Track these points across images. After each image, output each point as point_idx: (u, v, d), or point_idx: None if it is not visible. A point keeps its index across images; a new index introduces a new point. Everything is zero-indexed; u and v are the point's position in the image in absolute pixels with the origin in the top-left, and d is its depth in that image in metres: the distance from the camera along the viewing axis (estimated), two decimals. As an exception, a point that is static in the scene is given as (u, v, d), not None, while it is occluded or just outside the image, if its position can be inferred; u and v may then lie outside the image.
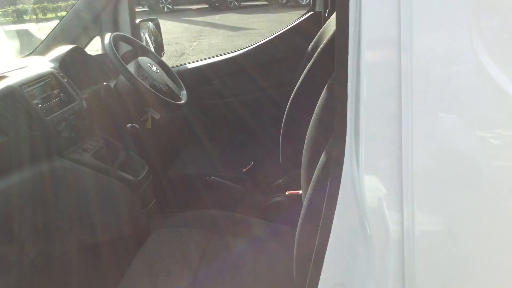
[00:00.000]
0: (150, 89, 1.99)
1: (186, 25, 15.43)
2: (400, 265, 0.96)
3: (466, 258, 0.97)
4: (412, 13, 0.84)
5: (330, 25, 1.88)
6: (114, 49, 1.94)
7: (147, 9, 21.57)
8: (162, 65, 2.33)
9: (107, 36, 2.03)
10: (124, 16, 2.39)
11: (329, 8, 2.52)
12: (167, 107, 2.27)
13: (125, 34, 2.22)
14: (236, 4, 20.98)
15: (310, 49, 2.11)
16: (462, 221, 0.94)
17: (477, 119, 0.87)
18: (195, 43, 11.61)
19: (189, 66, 2.88)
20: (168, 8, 21.08)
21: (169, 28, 14.28)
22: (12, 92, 1.65)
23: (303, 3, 18.92)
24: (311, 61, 1.69)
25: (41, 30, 17.55)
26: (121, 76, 2.09)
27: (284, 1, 20.31)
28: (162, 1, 21.21)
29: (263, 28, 13.03)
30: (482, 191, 0.91)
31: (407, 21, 0.85)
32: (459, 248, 0.96)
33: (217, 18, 17.14)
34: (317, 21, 2.76)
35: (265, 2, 21.91)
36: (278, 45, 2.85)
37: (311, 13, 2.92)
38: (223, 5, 21.02)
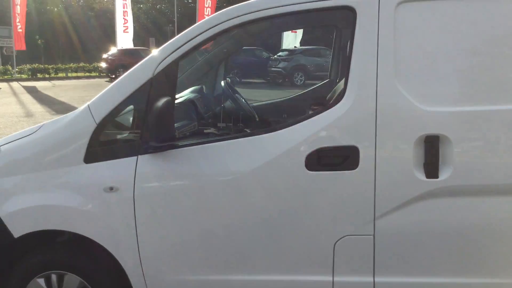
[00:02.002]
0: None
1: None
2: None
3: None
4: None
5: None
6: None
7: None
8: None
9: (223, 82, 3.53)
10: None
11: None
12: None
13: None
14: (238, 79, 21.60)
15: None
16: None
17: None
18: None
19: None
20: None
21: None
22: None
23: (298, 83, 19.45)
24: None
25: (55, 86, 21.74)
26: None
27: (280, 80, 20.64)
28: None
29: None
30: None
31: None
32: None
33: None
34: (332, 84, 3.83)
35: (262, 80, 22.48)
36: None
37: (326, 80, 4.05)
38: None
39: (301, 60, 20.65)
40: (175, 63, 2.43)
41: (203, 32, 2.42)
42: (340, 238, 2.35)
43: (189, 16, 34.57)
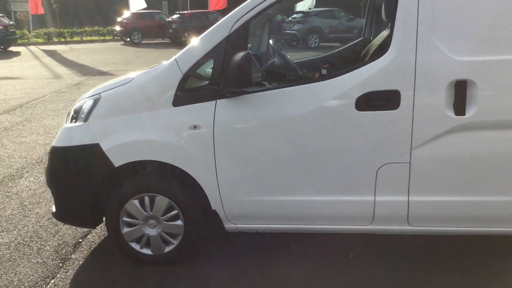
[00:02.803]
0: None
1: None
2: None
3: None
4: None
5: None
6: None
7: (170, 41, 23.78)
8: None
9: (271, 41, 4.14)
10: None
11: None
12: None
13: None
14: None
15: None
16: None
17: None
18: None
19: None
20: (190, 41, 23.11)
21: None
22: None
23: (312, 46, 19.87)
24: None
25: (73, 50, 22.71)
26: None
27: (295, 43, 20.94)
28: (185, 35, 24.66)
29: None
30: None
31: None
32: None
33: None
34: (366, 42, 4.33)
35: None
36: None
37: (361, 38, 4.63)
38: None
39: (315, 22, 20.91)
40: (247, 23, 2.95)
41: None
42: (382, 165, 2.91)
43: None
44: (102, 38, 30.55)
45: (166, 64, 3.12)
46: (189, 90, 3.04)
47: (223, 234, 3.32)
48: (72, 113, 3.40)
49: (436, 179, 2.91)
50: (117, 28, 26.98)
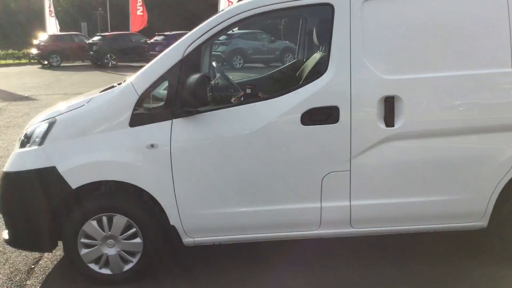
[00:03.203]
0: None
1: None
2: None
3: None
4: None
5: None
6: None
7: (91, 63, 23.28)
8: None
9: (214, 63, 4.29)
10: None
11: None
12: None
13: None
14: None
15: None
16: None
17: None
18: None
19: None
20: (112, 63, 22.67)
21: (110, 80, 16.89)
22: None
23: (237, 67, 20.28)
24: None
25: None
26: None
27: (220, 64, 21.18)
28: (108, 57, 24.48)
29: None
30: None
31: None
32: None
33: None
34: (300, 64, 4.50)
35: None
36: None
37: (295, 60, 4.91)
38: None
39: (239, 44, 21.45)
40: (199, 47, 3.18)
41: (219, 24, 3.18)
42: (326, 174, 3.22)
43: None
44: (17, 61, 29.21)
45: (122, 87, 3.26)
46: (145, 111, 3.20)
47: (179, 248, 3.47)
48: (22, 138, 3.42)
49: (373, 184, 3.27)
50: (34, 51, 25.95)
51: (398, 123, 3.16)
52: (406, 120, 3.15)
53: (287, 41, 23.97)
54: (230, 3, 23.20)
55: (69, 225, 3.26)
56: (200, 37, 3.18)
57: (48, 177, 3.18)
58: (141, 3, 27.20)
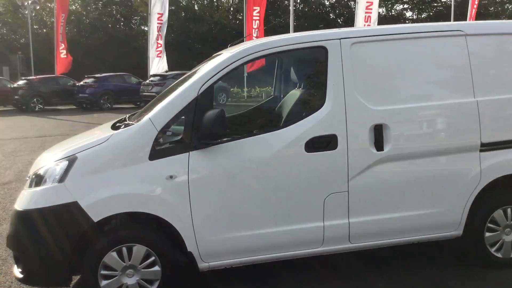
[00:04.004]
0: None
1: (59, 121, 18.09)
2: None
3: None
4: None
5: None
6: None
7: (15, 108, 22.40)
8: None
9: None
10: None
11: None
12: None
13: None
14: (109, 105, 22.12)
15: None
16: None
17: None
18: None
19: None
20: (39, 107, 21.98)
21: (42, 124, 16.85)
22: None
23: None
24: None
25: None
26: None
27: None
28: (35, 101, 23.71)
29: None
30: None
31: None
32: None
33: (95, 116, 19.79)
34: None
35: (132, 105, 23.32)
36: None
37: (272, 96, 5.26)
38: (95, 105, 22.05)
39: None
40: (212, 86, 3.50)
41: (229, 65, 3.54)
42: (328, 195, 3.61)
43: (41, 42, 33.30)
44: None
45: (141, 123, 3.48)
46: (164, 145, 3.44)
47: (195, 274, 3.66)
48: (33, 177, 3.51)
49: (368, 202, 3.70)
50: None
51: (387, 147, 3.64)
52: (393, 144, 3.65)
53: (220, 81, 24.51)
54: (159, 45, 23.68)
55: (90, 257, 3.36)
56: (212, 77, 3.52)
57: (70, 212, 3.29)
58: (63, 47, 26.76)
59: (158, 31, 23.24)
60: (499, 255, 3.93)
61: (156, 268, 3.46)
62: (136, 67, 34.26)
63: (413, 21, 42.74)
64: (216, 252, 3.56)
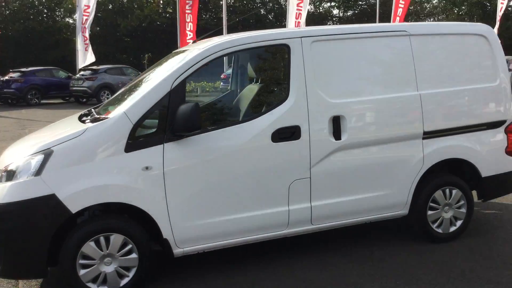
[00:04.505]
0: None
1: None
2: None
3: None
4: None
5: None
6: None
7: None
8: None
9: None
10: None
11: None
12: None
13: None
14: (36, 101, 21.29)
15: None
16: None
17: None
18: None
19: None
20: None
21: None
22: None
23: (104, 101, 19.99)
24: None
25: None
26: None
27: (84, 100, 20.80)
28: None
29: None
30: None
31: None
32: None
33: (24, 112, 18.89)
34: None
35: (61, 101, 22.64)
36: None
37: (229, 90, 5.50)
38: (22, 101, 22.25)
39: (106, 79, 21.22)
40: (184, 80, 3.68)
41: (200, 60, 3.73)
42: (292, 182, 3.92)
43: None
44: None
45: (116, 117, 3.59)
46: (139, 138, 3.58)
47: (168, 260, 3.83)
48: (4, 173, 3.51)
49: (327, 187, 4.06)
50: None
51: (344, 137, 4.01)
52: (349, 134, 4.02)
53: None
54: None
55: (68, 248, 3.44)
56: (185, 71, 3.69)
57: (48, 204, 3.35)
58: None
59: (83, 24, 22.57)
60: (439, 230, 4.44)
61: (133, 255, 3.60)
62: (61, 60, 33.04)
63: (339, 18, 44.48)
64: (189, 238, 3.75)
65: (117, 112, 3.65)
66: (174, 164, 3.62)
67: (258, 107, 4.22)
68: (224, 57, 4.24)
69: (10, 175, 3.49)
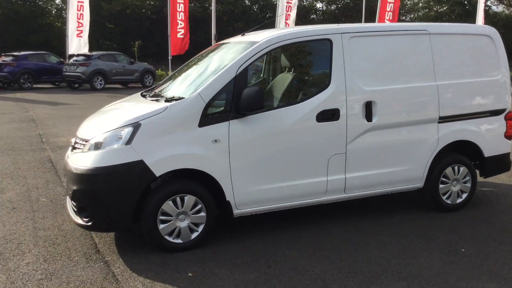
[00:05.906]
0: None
1: None
2: None
3: None
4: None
5: None
6: None
7: None
8: None
9: None
10: None
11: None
12: None
13: None
14: (29, 85, 21.46)
15: None
16: None
17: None
18: None
19: None
20: None
21: None
22: None
23: (98, 87, 20.55)
24: None
25: None
26: None
27: (77, 85, 21.02)
28: None
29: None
30: None
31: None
32: None
33: (18, 95, 18.88)
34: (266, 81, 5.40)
35: (52, 86, 23.32)
36: None
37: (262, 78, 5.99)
38: (15, 85, 22.34)
39: (99, 65, 21.53)
40: (246, 68, 4.34)
41: (261, 50, 4.41)
42: (331, 156, 4.64)
43: None
44: None
45: (192, 97, 4.24)
46: (209, 115, 4.24)
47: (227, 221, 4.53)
48: (93, 143, 4.16)
49: (359, 162, 4.79)
50: None
51: (375, 119, 4.74)
52: (379, 117, 4.75)
53: (146, 63, 24.74)
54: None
55: (151, 205, 4.09)
56: (247, 60, 4.36)
57: (137, 168, 4.00)
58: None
59: (79, 10, 22.76)
60: (448, 201, 5.25)
61: (202, 214, 4.28)
62: (44, 45, 32.80)
63: (323, 12, 45.33)
64: (247, 201, 4.44)
65: (193, 93, 4.30)
66: (237, 138, 4.29)
67: (305, 92, 4.90)
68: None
69: (97, 145, 4.11)
